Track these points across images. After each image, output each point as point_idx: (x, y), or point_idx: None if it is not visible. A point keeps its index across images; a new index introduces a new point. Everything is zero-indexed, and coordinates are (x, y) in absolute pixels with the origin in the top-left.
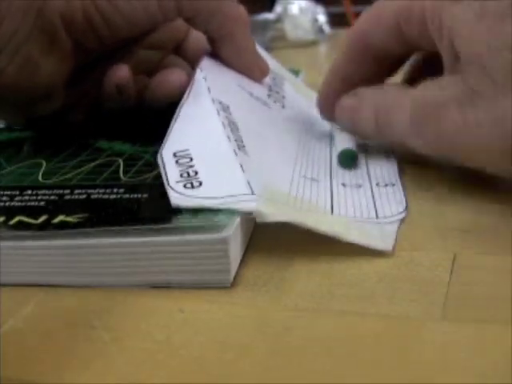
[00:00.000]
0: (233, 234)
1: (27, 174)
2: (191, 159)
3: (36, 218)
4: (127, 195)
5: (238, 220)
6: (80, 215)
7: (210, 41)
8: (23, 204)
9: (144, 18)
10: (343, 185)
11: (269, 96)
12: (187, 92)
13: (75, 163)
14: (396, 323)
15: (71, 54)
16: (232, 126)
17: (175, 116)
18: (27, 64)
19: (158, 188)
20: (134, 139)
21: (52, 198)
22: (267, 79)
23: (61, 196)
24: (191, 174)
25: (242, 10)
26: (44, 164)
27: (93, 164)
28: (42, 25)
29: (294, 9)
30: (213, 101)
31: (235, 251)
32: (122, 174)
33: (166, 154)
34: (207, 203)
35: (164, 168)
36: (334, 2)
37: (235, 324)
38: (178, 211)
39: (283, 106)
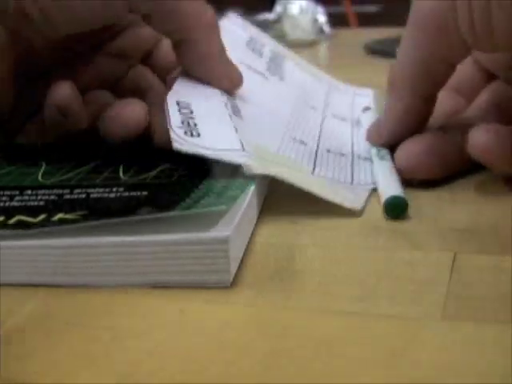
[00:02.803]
0: (232, 234)
1: (27, 173)
2: (191, 112)
3: (35, 217)
4: (127, 193)
5: (237, 219)
6: (79, 212)
7: (172, 45)
8: (23, 204)
9: (86, 12)
10: (328, 151)
11: (267, 69)
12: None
13: (74, 164)
14: (396, 323)
15: (8, 47)
16: (229, 94)
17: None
18: None
19: (158, 187)
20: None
21: (52, 197)
22: (266, 55)
23: (60, 196)
24: (191, 124)
25: (206, 9)
26: (44, 164)
27: (92, 164)
28: None
29: (294, 9)
30: None
31: (235, 251)
32: (121, 174)
33: (170, 100)
34: (203, 152)
35: (168, 112)
36: (333, 1)
37: (235, 324)
38: (177, 203)
39: (282, 79)
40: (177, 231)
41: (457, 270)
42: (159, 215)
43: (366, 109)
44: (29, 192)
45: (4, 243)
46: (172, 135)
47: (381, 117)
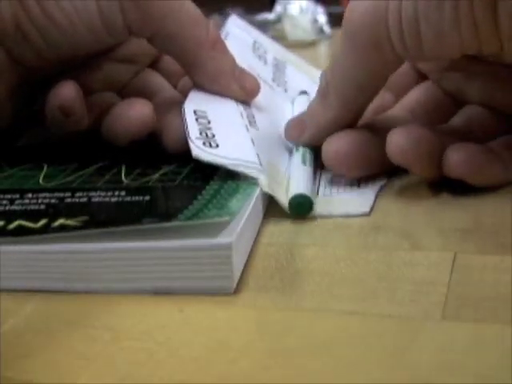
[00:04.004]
0: (236, 240)
1: (28, 176)
2: (209, 122)
3: (36, 222)
4: (129, 198)
5: (241, 225)
6: (80, 218)
7: (181, 67)
8: (23, 208)
9: (86, 34)
10: None
11: (273, 80)
12: None
13: (76, 166)
14: (396, 323)
15: (8, 69)
16: (244, 103)
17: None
18: None
19: (161, 190)
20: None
21: (53, 201)
22: (270, 62)
23: (61, 199)
24: (209, 135)
25: (208, 27)
26: (45, 167)
27: (94, 166)
28: None
29: (294, 9)
30: None
31: (238, 257)
32: (123, 177)
33: (188, 108)
34: (222, 161)
35: (185, 121)
36: (333, 1)
37: (235, 324)
38: (180, 212)
39: (286, 90)
40: (180, 237)
41: (457, 270)
42: (161, 225)
43: (303, 92)
44: (29, 195)
45: (4, 248)
46: (191, 145)
47: (303, 115)
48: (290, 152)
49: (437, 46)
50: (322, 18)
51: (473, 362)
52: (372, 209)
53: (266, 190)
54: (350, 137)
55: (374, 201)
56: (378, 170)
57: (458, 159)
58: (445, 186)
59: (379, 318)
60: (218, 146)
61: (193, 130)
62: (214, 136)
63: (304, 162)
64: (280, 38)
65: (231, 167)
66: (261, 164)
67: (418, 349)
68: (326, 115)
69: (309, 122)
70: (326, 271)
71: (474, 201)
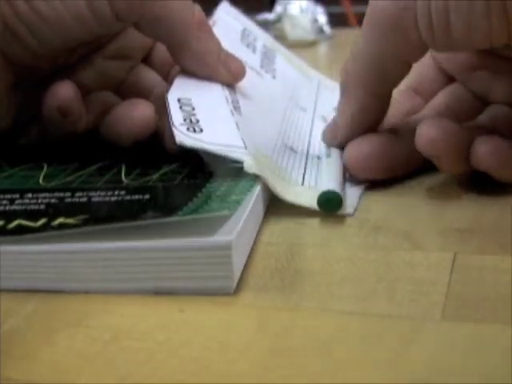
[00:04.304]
0: (236, 239)
1: (28, 176)
2: (193, 108)
3: (35, 221)
4: (129, 197)
5: (241, 224)
6: (80, 217)
7: (168, 50)
8: (23, 208)
9: (75, 26)
10: (318, 157)
11: (261, 66)
12: None
13: (76, 166)
14: (396, 323)
15: (2, 68)
16: (230, 88)
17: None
18: None
19: (161, 190)
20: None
21: (53, 201)
22: (259, 50)
23: (61, 199)
24: (193, 120)
25: (194, 10)
26: (45, 166)
27: (94, 167)
28: None
29: (294, 9)
30: None
31: (238, 257)
32: (123, 177)
33: (171, 97)
34: (207, 147)
35: (169, 110)
36: (333, 1)
37: (235, 324)
38: (179, 208)
39: (274, 77)
40: (179, 236)
41: (457, 270)
42: (161, 221)
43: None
44: (29, 195)
45: (4, 248)
46: (175, 132)
47: (335, 117)
48: (277, 138)
49: (466, 36)
50: (322, 18)
51: (473, 361)
52: (356, 210)
53: (252, 171)
54: (372, 140)
55: (358, 202)
56: (401, 172)
57: (485, 151)
58: (445, 185)
59: (379, 318)
60: (202, 130)
61: (176, 117)
62: (198, 121)
63: (328, 154)
64: (280, 38)
65: (215, 152)
66: (246, 147)
67: (418, 349)
68: (353, 108)
69: (339, 122)
70: (326, 271)
71: (474, 201)
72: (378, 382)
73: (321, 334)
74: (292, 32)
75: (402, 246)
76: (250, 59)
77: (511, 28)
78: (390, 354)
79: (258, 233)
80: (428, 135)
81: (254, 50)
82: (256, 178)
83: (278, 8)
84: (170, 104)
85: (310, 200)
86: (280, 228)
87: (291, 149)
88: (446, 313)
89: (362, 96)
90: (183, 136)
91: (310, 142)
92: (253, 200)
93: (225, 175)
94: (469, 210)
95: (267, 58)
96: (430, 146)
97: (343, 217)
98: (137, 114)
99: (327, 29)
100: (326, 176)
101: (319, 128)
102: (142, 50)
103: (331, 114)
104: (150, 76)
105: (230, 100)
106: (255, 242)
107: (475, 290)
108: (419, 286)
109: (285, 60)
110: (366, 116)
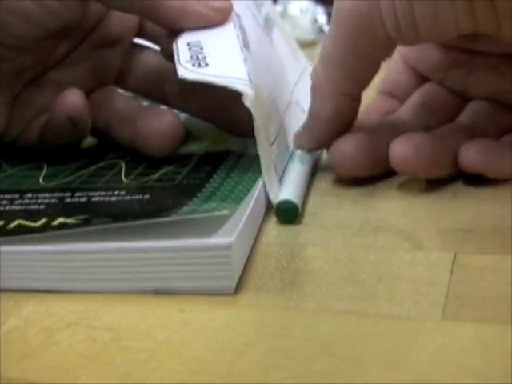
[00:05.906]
0: (236, 240)
1: (28, 176)
2: (202, 48)
3: (35, 221)
4: (128, 197)
5: (241, 225)
6: (80, 217)
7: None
8: (23, 208)
9: (42, 14)
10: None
11: (264, 28)
12: None
13: (77, 166)
14: (396, 323)
15: None
16: (242, 30)
17: None
18: None
19: (161, 190)
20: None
21: (52, 201)
22: (263, 15)
23: (61, 199)
24: (200, 57)
25: None
26: (45, 166)
27: (94, 167)
28: None
29: (294, 9)
30: None
31: (238, 257)
32: (123, 177)
33: (181, 42)
34: (209, 79)
35: (177, 52)
36: (333, 2)
37: (235, 324)
38: (179, 208)
39: (271, 42)
40: (179, 236)
41: (457, 270)
42: (161, 221)
43: None
44: (29, 195)
45: (4, 248)
46: (178, 68)
47: (306, 121)
48: (272, 88)
49: (432, 28)
50: (322, 18)
51: (473, 361)
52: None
53: (249, 105)
54: (355, 139)
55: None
56: (383, 171)
57: (472, 154)
58: (445, 185)
59: (379, 318)
60: (207, 65)
61: (183, 56)
62: (205, 58)
63: (302, 161)
64: None
65: (217, 83)
66: (250, 81)
67: (418, 349)
68: (325, 110)
69: (312, 125)
70: (326, 271)
71: (474, 201)
72: (378, 381)
73: (321, 334)
74: (292, 32)
75: (402, 246)
76: (257, 16)
77: (477, 17)
78: (389, 354)
79: (258, 233)
80: (400, 153)
81: (259, 11)
82: (256, 178)
83: (278, 8)
84: (179, 47)
85: (273, 196)
86: (280, 228)
87: (277, 109)
88: (446, 313)
89: (333, 97)
90: (186, 71)
91: (282, 123)
92: (253, 200)
93: (225, 175)
94: (469, 210)
95: (267, 26)
96: (404, 163)
97: (343, 217)
98: (166, 126)
99: (327, 29)
100: (288, 181)
101: (292, 112)
102: (129, 31)
103: (304, 101)
104: (146, 52)
105: (241, 38)
106: (255, 242)
107: (475, 290)
108: (419, 285)
109: (280, 35)
110: (340, 116)
